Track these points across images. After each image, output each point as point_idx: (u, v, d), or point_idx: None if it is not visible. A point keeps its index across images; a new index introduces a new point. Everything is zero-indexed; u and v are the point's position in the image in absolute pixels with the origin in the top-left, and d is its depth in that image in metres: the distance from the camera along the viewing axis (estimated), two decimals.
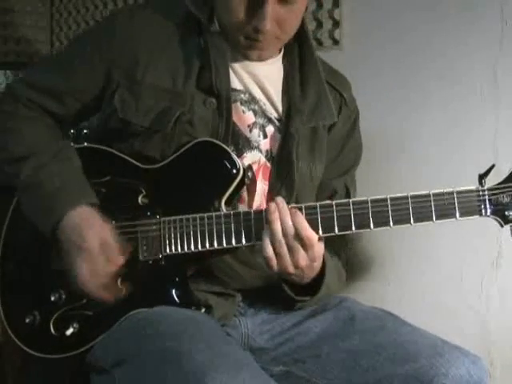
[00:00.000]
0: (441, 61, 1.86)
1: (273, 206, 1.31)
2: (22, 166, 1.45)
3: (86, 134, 1.91)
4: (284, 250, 1.30)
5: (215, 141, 1.42)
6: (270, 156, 1.50)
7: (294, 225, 1.30)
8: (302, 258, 1.31)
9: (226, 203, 1.39)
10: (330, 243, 1.42)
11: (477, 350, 1.35)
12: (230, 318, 1.48)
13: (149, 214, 1.41)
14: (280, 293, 1.44)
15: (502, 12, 1.77)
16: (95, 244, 1.37)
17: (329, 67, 1.64)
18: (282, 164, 1.49)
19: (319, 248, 1.33)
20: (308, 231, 1.30)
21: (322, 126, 1.54)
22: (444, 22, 1.85)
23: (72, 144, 1.53)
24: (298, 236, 1.30)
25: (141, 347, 1.27)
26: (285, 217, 1.30)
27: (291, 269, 1.32)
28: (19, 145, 1.49)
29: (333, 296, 1.52)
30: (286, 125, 1.50)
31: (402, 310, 1.50)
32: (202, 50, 1.47)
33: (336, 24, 2.02)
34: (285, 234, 1.30)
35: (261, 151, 1.49)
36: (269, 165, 1.50)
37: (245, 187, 1.44)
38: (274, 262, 1.31)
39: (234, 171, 1.40)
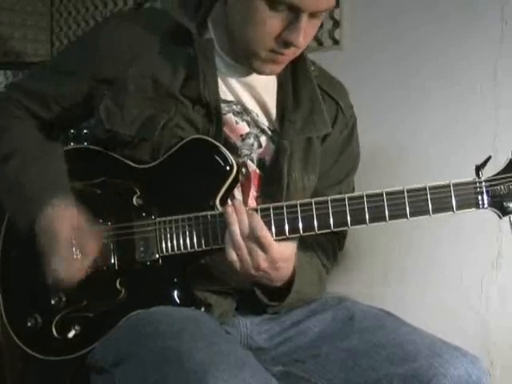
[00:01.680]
0: (441, 61, 1.86)
1: (230, 208, 1.33)
2: (7, 165, 1.46)
3: (85, 133, 1.92)
4: (244, 251, 1.31)
5: (208, 138, 1.41)
6: (262, 165, 1.49)
7: (249, 226, 1.31)
8: (262, 259, 1.31)
9: (220, 201, 1.39)
10: (313, 241, 1.42)
11: (477, 350, 1.35)
12: (230, 317, 1.48)
13: (144, 214, 1.41)
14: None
15: (502, 12, 1.77)
16: (66, 234, 1.36)
17: (325, 73, 1.61)
18: (272, 174, 1.48)
19: (281, 250, 1.33)
20: (263, 231, 1.30)
21: (316, 137, 1.52)
22: (444, 22, 1.85)
23: (60, 145, 1.54)
24: (254, 236, 1.30)
25: (141, 346, 1.26)
26: (242, 218, 1.31)
27: (253, 271, 1.32)
28: (6, 143, 1.50)
29: (332, 296, 1.51)
30: (279, 136, 1.49)
31: (402, 310, 1.50)
32: (191, 60, 1.45)
33: (336, 24, 2.03)
34: (243, 236, 1.31)
35: (252, 160, 1.48)
36: (259, 172, 1.49)
37: (239, 185, 1.43)
38: (237, 265, 1.32)
39: (228, 168, 1.39)
